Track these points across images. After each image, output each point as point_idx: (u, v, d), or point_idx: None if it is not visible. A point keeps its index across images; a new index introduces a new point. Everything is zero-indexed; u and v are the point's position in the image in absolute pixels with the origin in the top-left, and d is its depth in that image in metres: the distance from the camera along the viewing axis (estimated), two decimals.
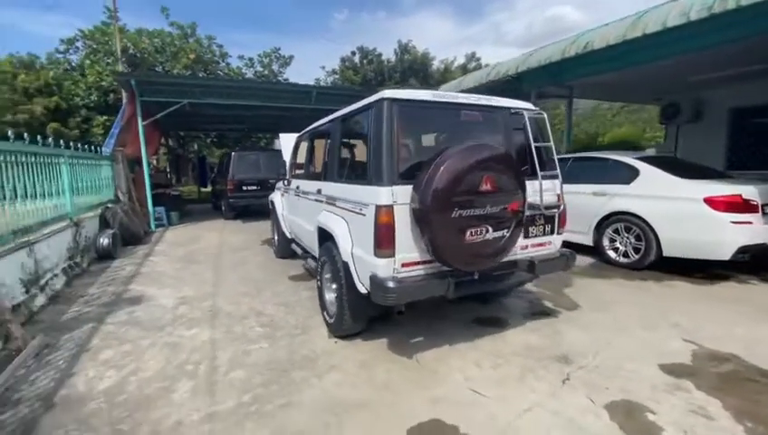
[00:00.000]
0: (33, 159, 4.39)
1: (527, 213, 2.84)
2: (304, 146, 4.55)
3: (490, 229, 2.40)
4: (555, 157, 3.04)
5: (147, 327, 3.45)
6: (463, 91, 8.59)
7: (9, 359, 2.69)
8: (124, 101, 8.66)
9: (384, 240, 2.33)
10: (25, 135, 4.43)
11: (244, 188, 10.04)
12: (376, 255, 2.37)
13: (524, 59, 6.42)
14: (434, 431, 2.07)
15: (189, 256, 6.32)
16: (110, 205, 7.23)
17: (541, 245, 3.01)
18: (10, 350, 2.83)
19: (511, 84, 7.83)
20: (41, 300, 3.90)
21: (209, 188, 15.41)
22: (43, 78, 15.86)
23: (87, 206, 6.32)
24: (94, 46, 17.74)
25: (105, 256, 5.95)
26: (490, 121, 2.87)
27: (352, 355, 2.88)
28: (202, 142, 22.76)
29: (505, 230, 2.46)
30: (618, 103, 18.40)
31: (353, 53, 22.41)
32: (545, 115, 3.04)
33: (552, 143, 3.03)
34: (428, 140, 2.82)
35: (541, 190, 2.83)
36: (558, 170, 3.01)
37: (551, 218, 3.03)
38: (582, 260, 5.39)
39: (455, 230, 2.28)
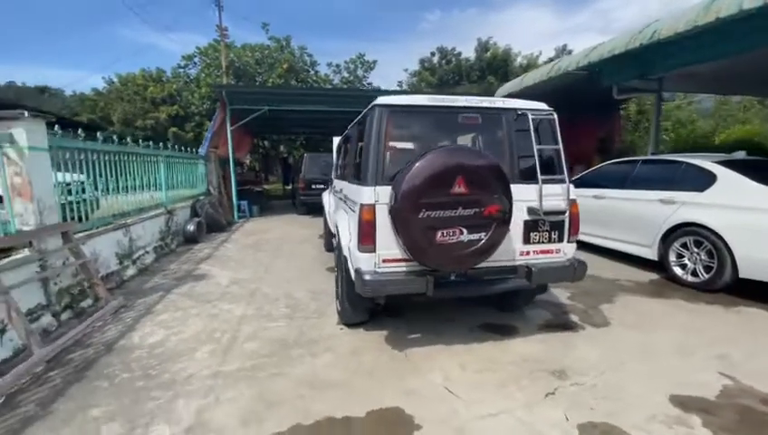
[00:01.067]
0: (134, 158, 5.51)
1: (528, 218, 2.76)
2: (341, 148, 4.91)
3: (465, 231, 2.41)
4: (563, 160, 2.87)
5: (199, 300, 4.12)
6: (523, 91, 8.17)
7: (95, 313, 3.52)
8: (217, 109, 10.07)
9: (365, 236, 2.51)
10: (125, 138, 5.57)
11: (314, 186, 10.90)
12: (359, 249, 2.57)
13: (586, 53, 5.87)
14: (391, 417, 2.20)
15: (257, 244, 7.19)
16: (201, 197, 8.55)
17: (546, 252, 2.86)
18: (97, 307, 3.68)
19: (586, 80, 7.19)
20: (131, 271, 4.90)
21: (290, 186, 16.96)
22: (167, 90, 19.14)
23: (181, 197, 7.60)
24: (207, 61, 20.80)
25: (191, 240, 7.10)
26: (491, 124, 2.83)
27: (350, 342, 3.11)
28: (292, 144, 24.99)
29: (483, 233, 2.44)
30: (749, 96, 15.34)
31: (432, 54, 22.47)
32: (555, 116, 2.87)
33: (559, 146, 2.85)
34: (426, 143, 2.89)
35: (540, 195, 2.71)
36: (565, 175, 2.82)
37: (557, 225, 2.86)
38: (643, 275, 4.83)
39: (425, 230, 2.35)
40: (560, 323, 3.46)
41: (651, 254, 4.86)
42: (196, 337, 3.22)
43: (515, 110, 2.83)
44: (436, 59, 22.49)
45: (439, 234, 2.34)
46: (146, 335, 3.25)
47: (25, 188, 3.21)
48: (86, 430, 2.09)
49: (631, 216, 5.14)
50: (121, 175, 5.10)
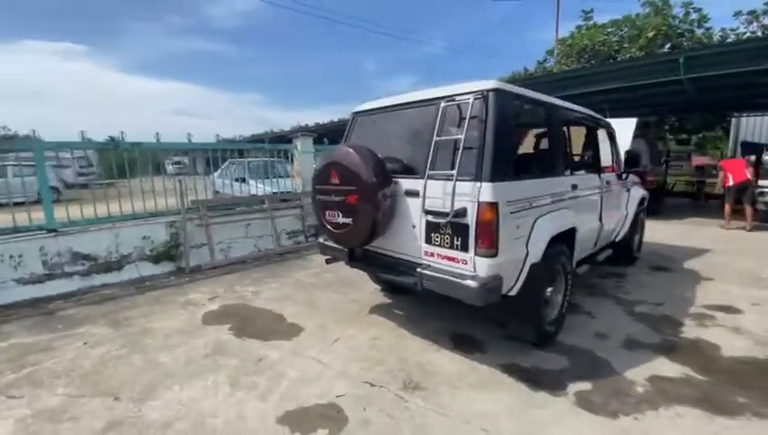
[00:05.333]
0: None
1: (429, 218, 2.62)
2: None
3: (340, 214, 2.84)
4: (468, 150, 2.37)
5: None
6: None
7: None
8: None
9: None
10: None
11: None
12: None
13: None
14: (294, 328, 3.33)
15: None
16: None
17: (451, 259, 2.48)
18: (310, 240, 6.62)
19: None
20: None
21: None
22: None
23: None
24: (564, 50, 20.92)
25: None
26: (429, 116, 2.73)
27: (363, 295, 4.11)
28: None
29: (351, 219, 2.77)
30: None
31: None
32: (469, 101, 2.31)
33: (459, 136, 2.36)
34: (386, 141, 3.16)
35: (424, 192, 2.53)
36: (455, 170, 2.30)
37: (458, 230, 2.40)
38: None
39: (319, 209, 3.06)
40: (573, 375, 2.57)
41: None
42: (321, 265, 5.30)
43: (445, 97, 2.62)
44: None
45: (327, 213, 2.99)
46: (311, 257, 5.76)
47: (299, 172, 6.52)
48: (253, 279, 4.79)
49: None
50: None
